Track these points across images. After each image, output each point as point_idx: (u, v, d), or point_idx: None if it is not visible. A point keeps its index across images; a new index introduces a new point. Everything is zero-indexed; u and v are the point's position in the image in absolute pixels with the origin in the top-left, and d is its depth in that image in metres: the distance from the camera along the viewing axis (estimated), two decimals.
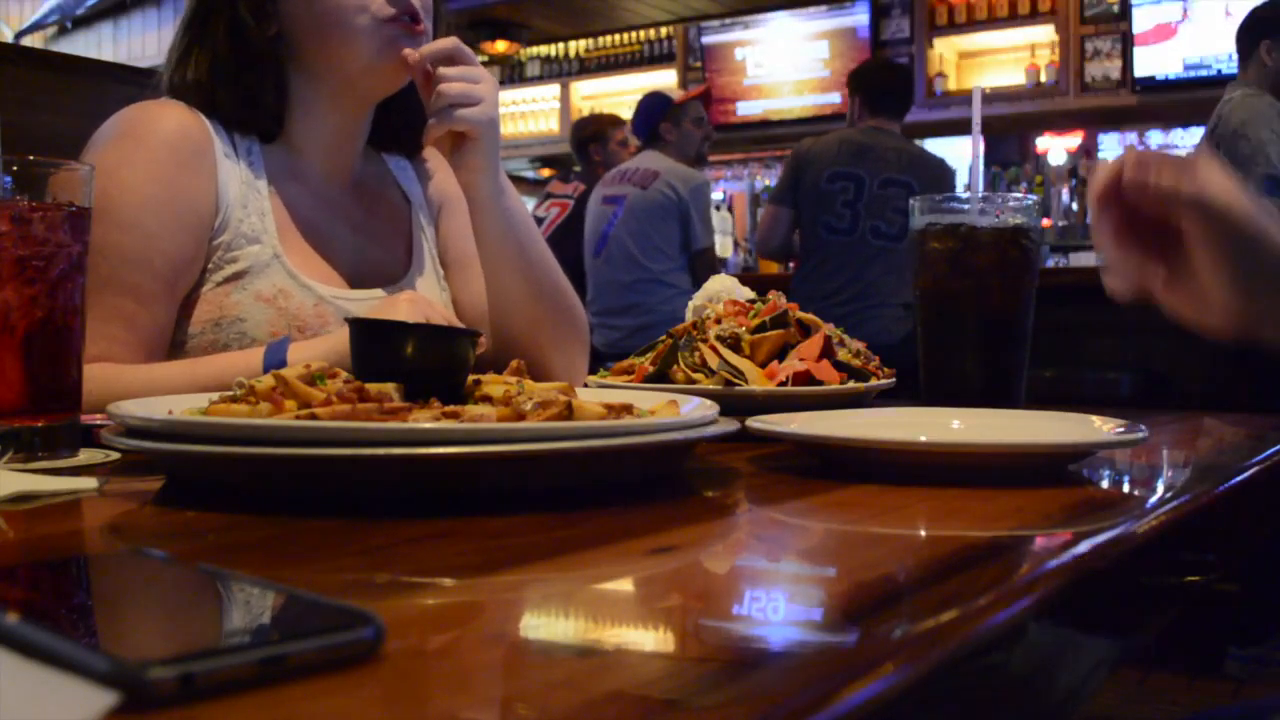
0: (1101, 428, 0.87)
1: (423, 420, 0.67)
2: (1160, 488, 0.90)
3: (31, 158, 0.82)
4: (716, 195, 6.34)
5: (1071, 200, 5.51)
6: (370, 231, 1.42)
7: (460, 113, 1.25)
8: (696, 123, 4.28)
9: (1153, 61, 5.35)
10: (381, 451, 0.61)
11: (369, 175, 1.45)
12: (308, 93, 1.33)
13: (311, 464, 0.62)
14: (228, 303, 1.25)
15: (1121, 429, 0.84)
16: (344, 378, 0.76)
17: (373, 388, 0.71)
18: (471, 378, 0.81)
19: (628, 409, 0.75)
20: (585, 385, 1.11)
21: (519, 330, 1.37)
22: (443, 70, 1.26)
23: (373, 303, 1.32)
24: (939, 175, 3.85)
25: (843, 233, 3.81)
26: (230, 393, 0.75)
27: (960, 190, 5.84)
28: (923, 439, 0.76)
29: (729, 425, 0.76)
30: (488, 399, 0.76)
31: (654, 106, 4.27)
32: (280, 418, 0.67)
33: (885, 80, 4.07)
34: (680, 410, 0.80)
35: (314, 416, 0.65)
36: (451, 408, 0.70)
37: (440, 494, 0.64)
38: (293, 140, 1.35)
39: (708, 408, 0.80)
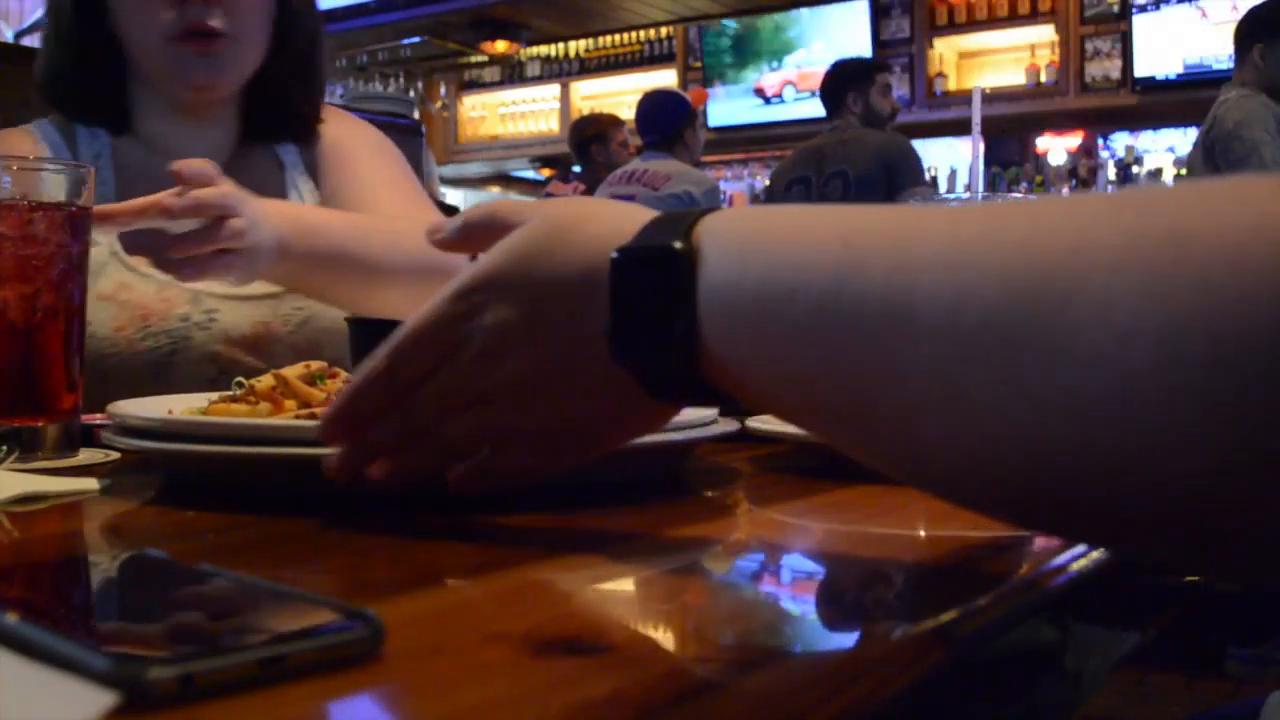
0: None
1: None
2: None
3: (31, 158, 0.82)
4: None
5: None
6: None
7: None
8: (701, 126, 4.31)
9: (1153, 61, 5.35)
10: None
11: (243, 167, 1.28)
12: (145, 95, 1.31)
13: (311, 464, 0.62)
14: None
15: None
16: (344, 378, 0.76)
17: None
18: None
19: None
20: None
21: None
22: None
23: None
24: (873, 153, 3.76)
25: None
26: (230, 393, 0.75)
27: (959, 190, 5.84)
28: None
29: (729, 425, 0.76)
30: None
31: (676, 110, 4.23)
32: (280, 418, 0.67)
33: (827, 81, 4.13)
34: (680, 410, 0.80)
35: (314, 416, 0.65)
36: None
37: (440, 494, 0.64)
38: (143, 137, 1.32)
39: (708, 408, 0.80)
